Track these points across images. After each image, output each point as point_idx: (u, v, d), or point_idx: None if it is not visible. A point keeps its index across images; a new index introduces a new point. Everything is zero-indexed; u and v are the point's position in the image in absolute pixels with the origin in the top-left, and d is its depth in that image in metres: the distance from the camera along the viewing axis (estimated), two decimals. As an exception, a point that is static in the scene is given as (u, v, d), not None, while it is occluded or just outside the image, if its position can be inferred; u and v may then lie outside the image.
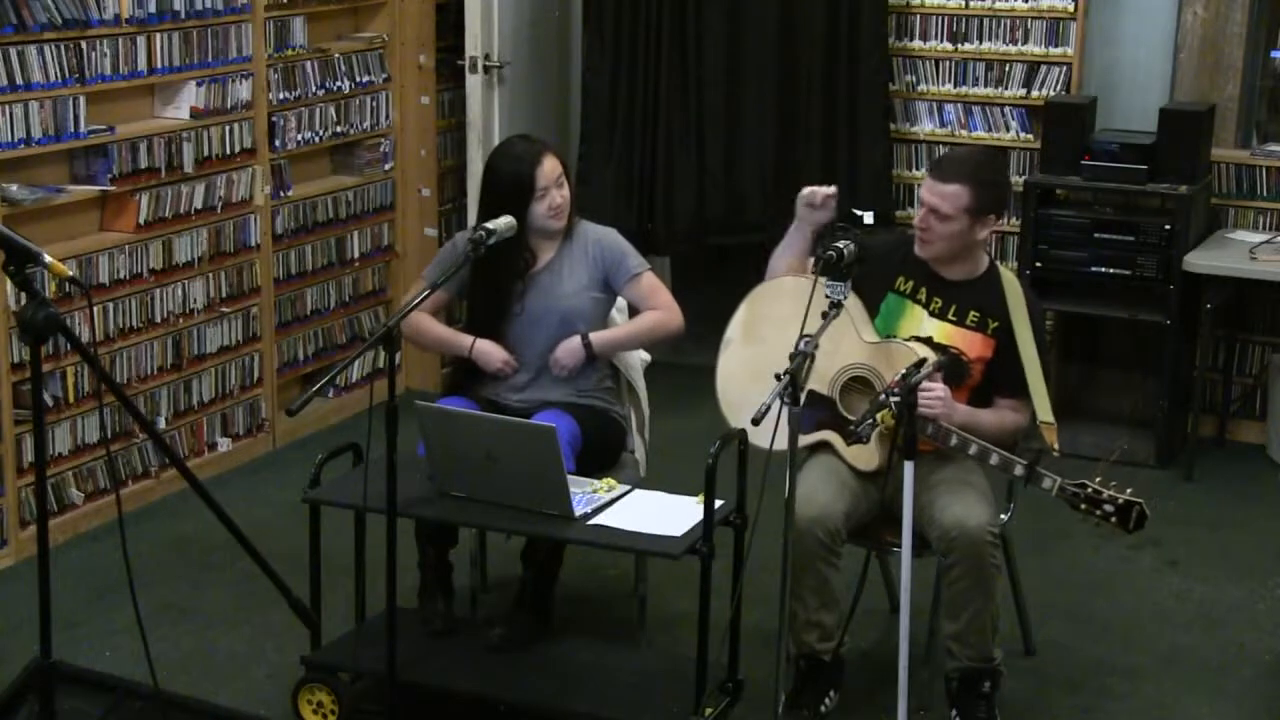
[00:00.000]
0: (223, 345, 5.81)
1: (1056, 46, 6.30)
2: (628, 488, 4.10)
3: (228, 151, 5.71)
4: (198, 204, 5.60)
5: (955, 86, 6.48)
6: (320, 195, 6.21)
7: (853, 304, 4.01)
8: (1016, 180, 6.18)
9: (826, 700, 4.16)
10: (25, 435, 5.00)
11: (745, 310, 4.30)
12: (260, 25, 5.78)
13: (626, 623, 4.56)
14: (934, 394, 3.89)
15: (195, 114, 5.55)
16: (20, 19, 4.88)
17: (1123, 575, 5.13)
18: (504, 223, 4.04)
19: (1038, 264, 6.04)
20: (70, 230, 5.29)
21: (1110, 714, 4.33)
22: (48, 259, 3.37)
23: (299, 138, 6.05)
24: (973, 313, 4.14)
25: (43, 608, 3.48)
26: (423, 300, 4.00)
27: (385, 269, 6.62)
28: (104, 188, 5.27)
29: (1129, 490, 3.82)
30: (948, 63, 6.48)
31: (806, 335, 3.54)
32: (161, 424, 5.55)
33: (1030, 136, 6.39)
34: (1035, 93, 6.34)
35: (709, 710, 3.90)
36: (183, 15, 5.45)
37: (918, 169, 6.52)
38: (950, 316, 4.15)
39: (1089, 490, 3.82)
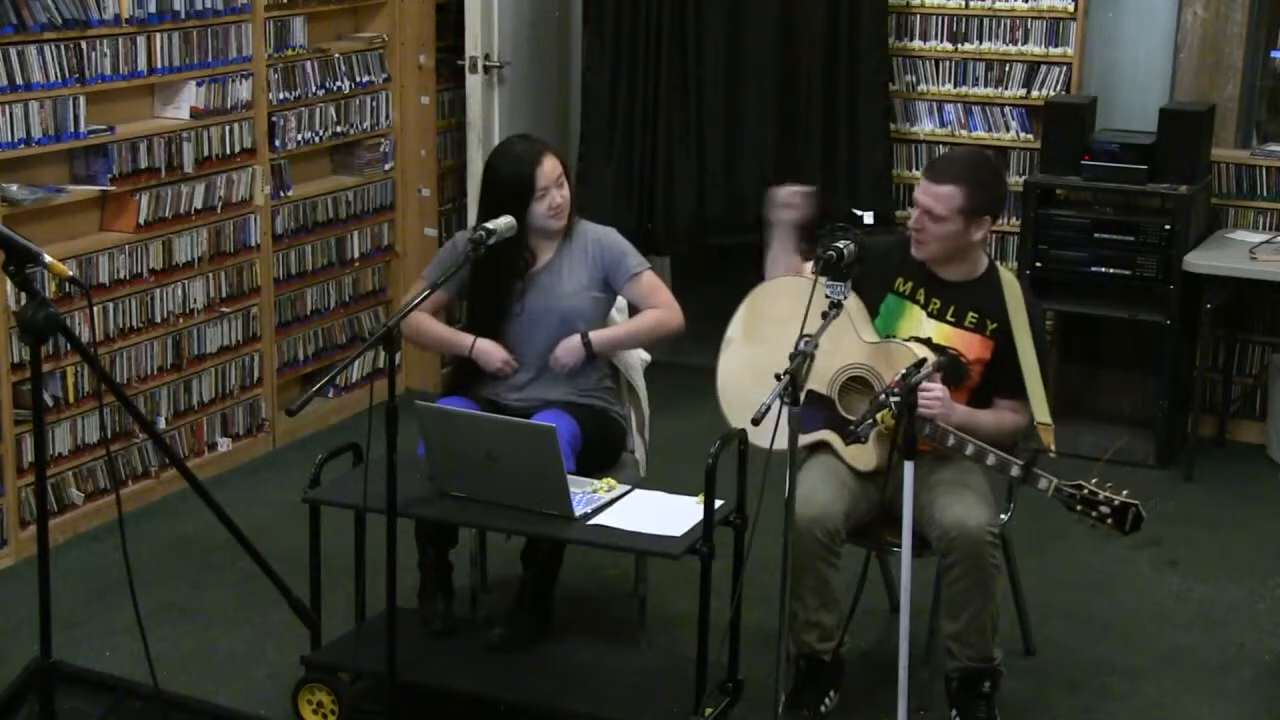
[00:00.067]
0: (223, 345, 5.81)
1: (1056, 46, 6.30)
2: (628, 488, 4.10)
3: (228, 151, 5.70)
4: (198, 204, 5.60)
5: (955, 86, 6.48)
6: (320, 195, 6.21)
7: (853, 304, 4.01)
8: (1016, 180, 6.19)
9: (826, 700, 4.16)
10: (25, 435, 5.00)
11: (745, 310, 4.29)
12: (260, 25, 5.78)
13: (626, 623, 4.55)
14: (933, 394, 3.89)
15: (195, 114, 5.55)
16: (20, 19, 4.88)
17: (1123, 575, 5.13)
18: (504, 223, 4.04)
19: (1038, 264, 6.04)
20: (70, 230, 5.29)
21: (1110, 714, 4.33)
22: (48, 259, 3.37)
23: (299, 138, 6.05)
24: (971, 314, 4.14)
25: (43, 608, 3.48)
26: (423, 300, 4.00)
27: (385, 269, 6.62)
28: (104, 188, 5.27)
29: (1125, 491, 3.82)
30: (948, 63, 6.48)
31: (806, 335, 3.54)
32: (161, 424, 5.55)
33: (1030, 136, 6.39)
34: (1035, 93, 6.34)
35: (709, 710, 3.90)
36: (183, 15, 5.45)
37: (918, 169, 6.51)
38: (949, 317, 4.15)
39: (1085, 491, 3.82)
